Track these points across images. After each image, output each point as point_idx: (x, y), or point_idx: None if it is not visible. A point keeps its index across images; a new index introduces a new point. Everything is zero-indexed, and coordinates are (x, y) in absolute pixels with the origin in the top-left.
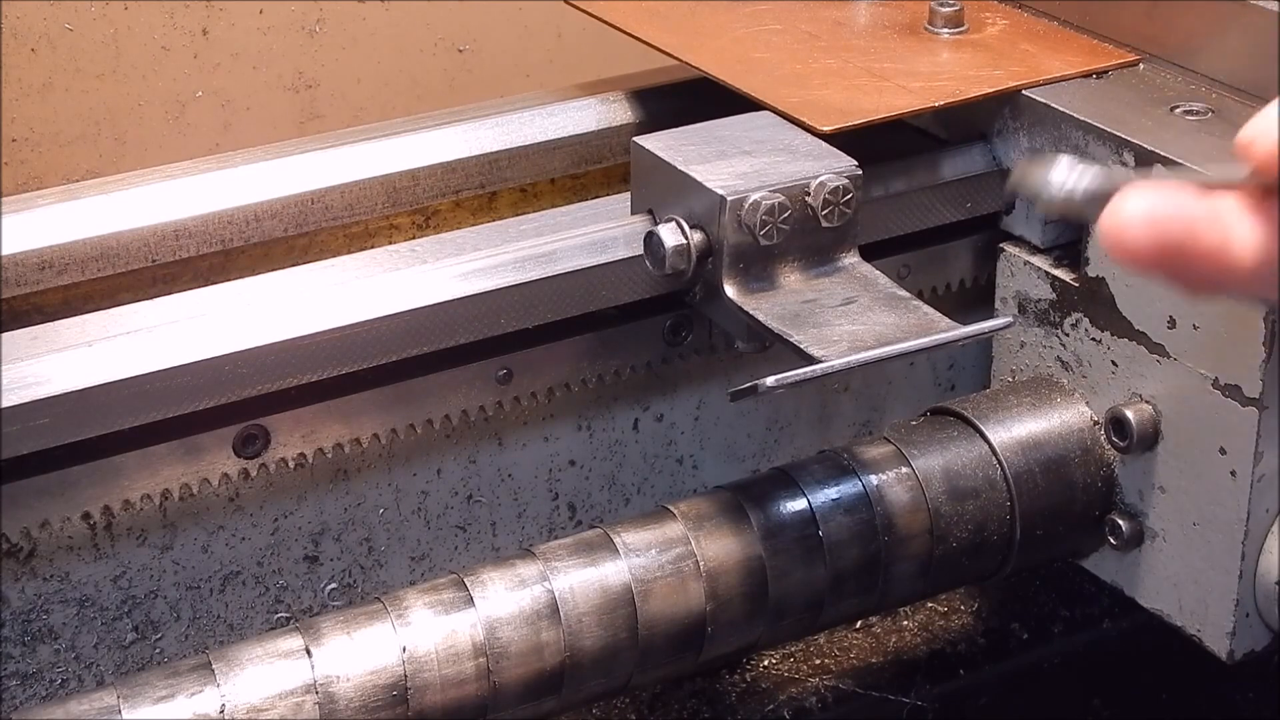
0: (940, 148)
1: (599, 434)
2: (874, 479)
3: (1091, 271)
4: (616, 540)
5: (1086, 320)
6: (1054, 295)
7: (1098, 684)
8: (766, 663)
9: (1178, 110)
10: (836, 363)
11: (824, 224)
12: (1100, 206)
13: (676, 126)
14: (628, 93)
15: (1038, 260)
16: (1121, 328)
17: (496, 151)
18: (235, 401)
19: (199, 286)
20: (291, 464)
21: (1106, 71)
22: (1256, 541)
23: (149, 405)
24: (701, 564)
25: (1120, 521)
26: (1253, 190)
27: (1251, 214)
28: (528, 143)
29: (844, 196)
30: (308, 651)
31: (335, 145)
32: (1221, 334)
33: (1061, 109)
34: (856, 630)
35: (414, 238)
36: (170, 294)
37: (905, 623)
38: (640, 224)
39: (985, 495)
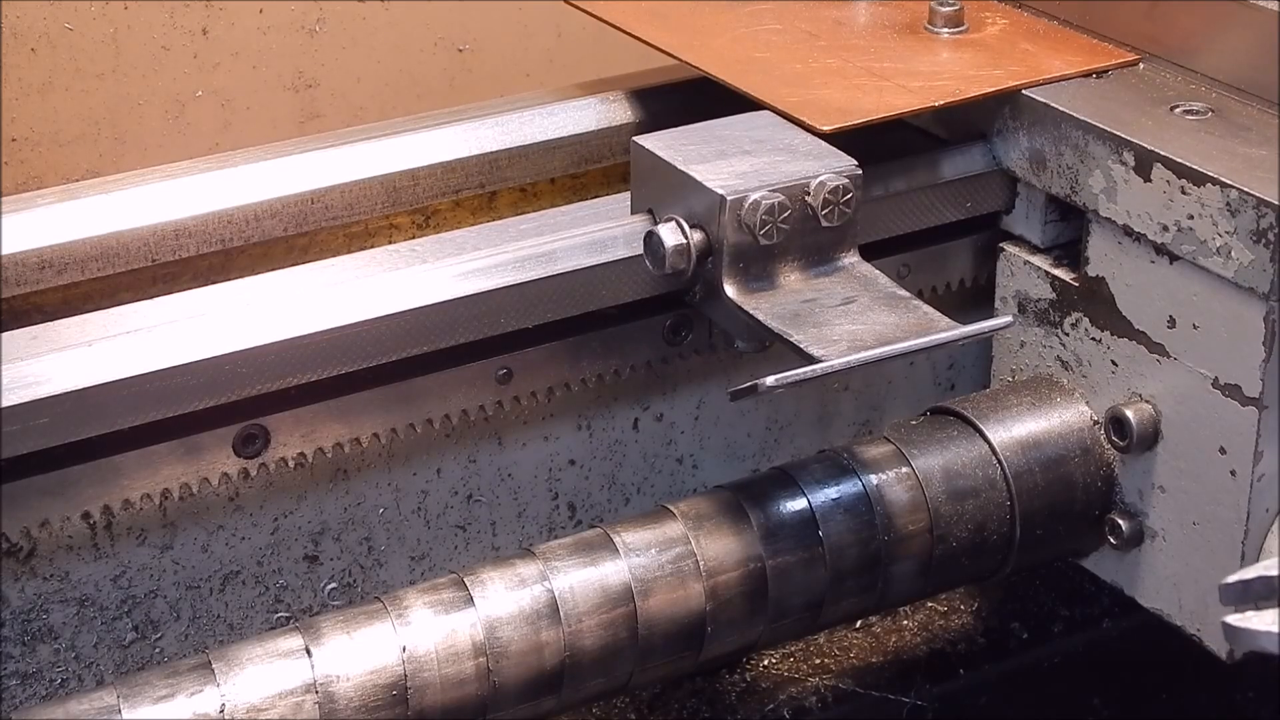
0: (940, 148)
1: (599, 434)
2: (874, 479)
3: (1091, 271)
4: (616, 540)
5: (1086, 320)
6: (1054, 295)
7: (1098, 684)
8: (766, 663)
9: (1178, 110)
10: (836, 362)
11: (824, 224)
12: None
13: (676, 126)
14: (628, 93)
15: (1038, 260)
16: (1121, 327)
17: (496, 151)
18: (235, 401)
19: (199, 286)
20: (291, 464)
21: (1106, 71)
22: (1256, 541)
23: (149, 405)
24: (701, 564)
25: (1120, 521)
26: None
27: None
28: (528, 142)
29: (844, 196)
30: (308, 651)
31: (335, 145)
32: (1221, 334)
33: (1061, 109)
34: (856, 630)
35: (414, 237)
36: (170, 294)
37: (905, 623)
38: (640, 224)
39: (985, 495)
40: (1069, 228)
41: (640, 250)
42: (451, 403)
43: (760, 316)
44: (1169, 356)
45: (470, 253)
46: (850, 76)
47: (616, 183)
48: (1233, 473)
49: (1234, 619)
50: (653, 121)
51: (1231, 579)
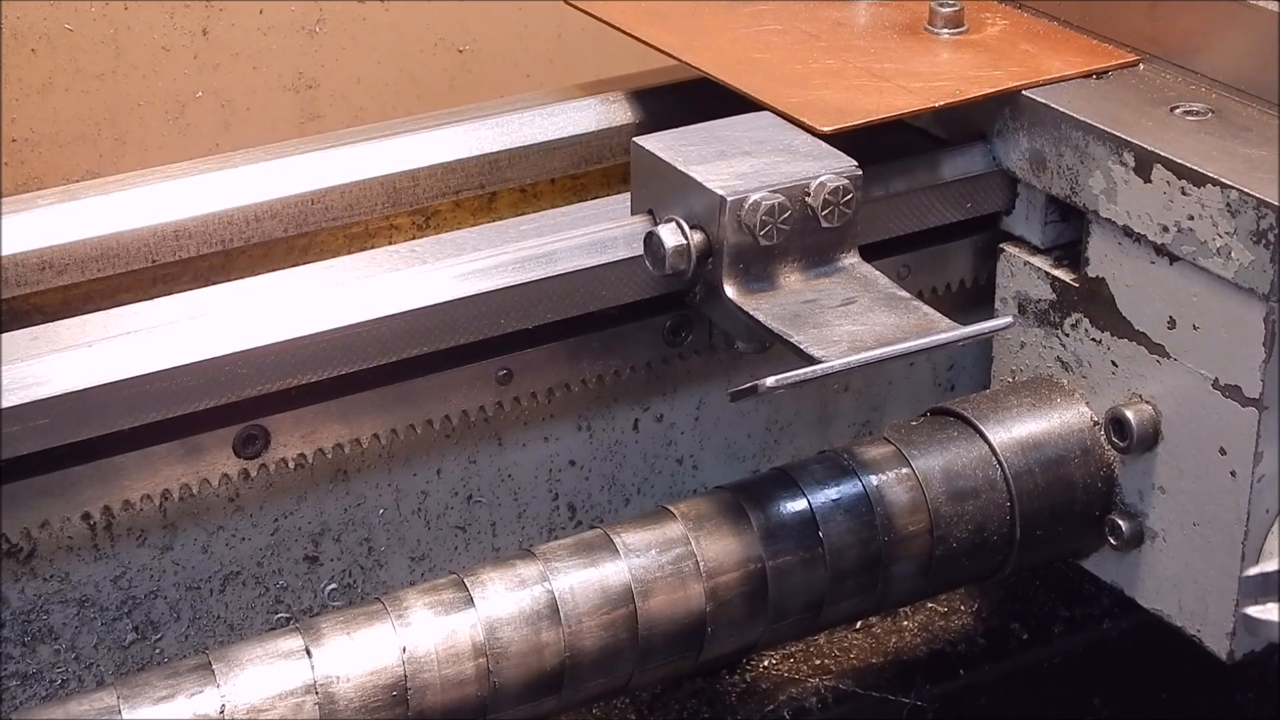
0: (940, 148)
1: (599, 434)
2: (874, 479)
3: (1091, 272)
4: (616, 540)
5: (1086, 320)
6: (1054, 295)
7: (1098, 684)
8: (766, 663)
9: (1178, 110)
10: (836, 363)
11: (824, 224)
12: None
13: (676, 126)
14: (628, 93)
15: (1038, 260)
16: (1121, 328)
17: (496, 151)
18: (235, 401)
19: (199, 287)
20: (291, 464)
21: (1106, 71)
22: (1256, 541)
23: (149, 405)
24: (701, 564)
25: (1120, 521)
26: None
27: None
28: (528, 143)
29: (844, 197)
30: (308, 652)
31: (335, 145)
32: (1221, 334)
33: (1061, 109)
34: (856, 630)
35: (414, 238)
36: (170, 294)
37: (905, 623)
38: (640, 224)
39: (985, 495)
40: (1069, 228)
41: (640, 251)
42: (452, 403)
43: (760, 317)
44: (1169, 357)
45: (470, 253)
46: (850, 77)
47: (617, 183)
48: (1233, 473)
49: (1254, 611)
50: (653, 122)
51: (1252, 571)
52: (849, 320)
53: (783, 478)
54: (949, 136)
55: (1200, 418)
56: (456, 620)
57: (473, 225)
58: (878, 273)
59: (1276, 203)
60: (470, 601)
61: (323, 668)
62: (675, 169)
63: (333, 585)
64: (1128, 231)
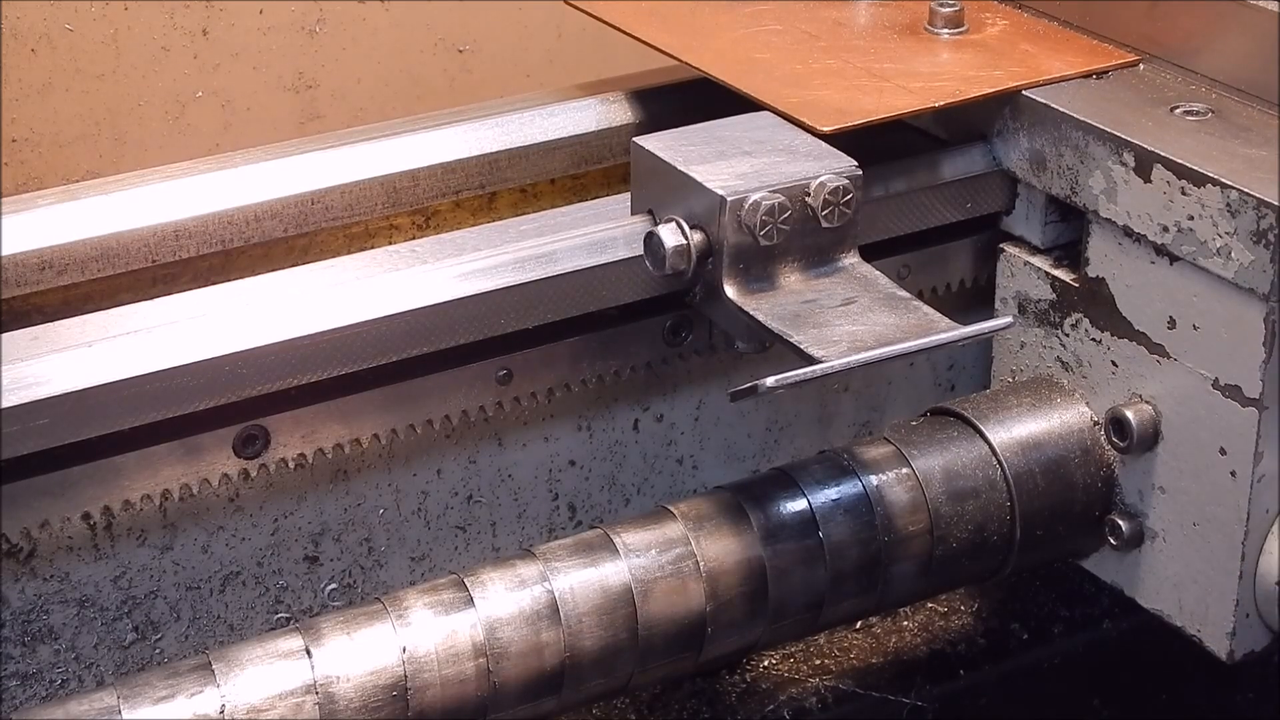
0: (940, 148)
1: (599, 434)
2: (874, 479)
3: (1091, 272)
4: (616, 540)
5: (1086, 321)
6: (1054, 295)
7: (1098, 684)
8: (766, 663)
9: (1178, 110)
10: (836, 363)
11: (824, 224)
12: None
13: (676, 126)
14: (628, 93)
15: (1038, 260)
16: (1121, 328)
17: (496, 152)
18: (235, 401)
19: (199, 287)
20: (291, 464)
21: (1106, 71)
22: (1256, 541)
23: (149, 405)
24: (701, 564)
25: (1120, 522)
26: None
27: None
28: (528, 143)
29: (844, 197)
30: (308, 652)
31: (335, 145)
32: (1221, 334)
33: (1061, 109)
34: (856, 630)
35: (414, 238)
36: (170, 294)
37: (905, 623)
38: (640, 224)
39: (985, 495)
40: (1069, 228)
41: (640, 251)
42: (452, 403)
43: (760, 317)
44: (1169, 357)
45: (470, 253)
46: (850, 77)
47: (617, 183)
48: (1233, 473)
49: None
50: (653, 122)
51: None
52: (849, 320)
53: (783, 478)
54: (949, 136)
55: (1200, 418)
56: (456, 620)
57: (473, 225)
58: (878, 273)
59: (1276, 203)
60: (470, 601)
61: (323, 668)
62: (675, 169)
63: (333, 585)
64: (1128, 231)
